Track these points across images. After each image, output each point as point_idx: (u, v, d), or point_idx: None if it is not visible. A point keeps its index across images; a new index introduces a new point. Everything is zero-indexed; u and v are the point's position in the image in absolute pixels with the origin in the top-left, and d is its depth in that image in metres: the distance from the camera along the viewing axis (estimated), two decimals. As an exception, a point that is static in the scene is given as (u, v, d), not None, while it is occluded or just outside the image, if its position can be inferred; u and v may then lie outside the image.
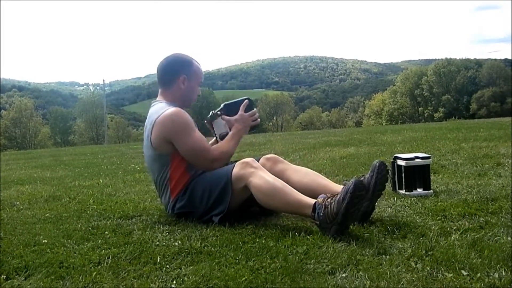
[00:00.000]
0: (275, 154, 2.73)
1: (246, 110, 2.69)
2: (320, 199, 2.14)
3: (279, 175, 2.47)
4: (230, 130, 2.68)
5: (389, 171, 2.52)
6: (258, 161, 2.58)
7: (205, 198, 2.45)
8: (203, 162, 2.55)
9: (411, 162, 2.86)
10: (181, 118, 2.53)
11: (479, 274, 1.51)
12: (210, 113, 2.76)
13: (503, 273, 1.51)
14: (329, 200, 2.09)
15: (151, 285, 1.61)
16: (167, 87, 2.69)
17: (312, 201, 2.16)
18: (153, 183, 2.78)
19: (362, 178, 2.34)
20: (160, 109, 2.58)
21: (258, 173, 2.31)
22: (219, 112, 2.72)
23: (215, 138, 2.79)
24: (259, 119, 2.75)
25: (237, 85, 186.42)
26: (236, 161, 2.48)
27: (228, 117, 2.69)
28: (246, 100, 2.72)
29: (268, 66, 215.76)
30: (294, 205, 2.22)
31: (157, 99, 2.71)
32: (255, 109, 2.75)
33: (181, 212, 2.54)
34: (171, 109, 2.54)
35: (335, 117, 68.83)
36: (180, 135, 2.51)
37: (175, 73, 2.66)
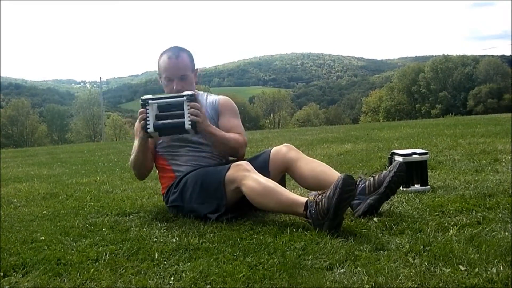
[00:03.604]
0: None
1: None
2: (311, 197, 2.14)
3: (292, 161, 2.51)
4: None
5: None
6: (272, 149, 2.62)
7: (194, 193, 2.45)
8: None
9: (408, 158, 2.86)
10: None
11: (476, 269, 1.51)
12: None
13: (501, 268, 1.51)
14: (319, 196, 2.08)
15: (149, 281, 1.60)
16: None
17: (304, 199, 2.16)
18: None
19: (380, 172, 2.37)
20: None
21: (251, 176, 2.30)
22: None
23: None
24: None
25: (234, 82, 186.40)
26: (232, 162, 2.49)
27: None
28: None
29: (265, 63, 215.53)
30: (287, 204, 2.21)
31: None
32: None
33: (173, 206, 2.56)
34: None
35: (332, 114, 68.81)
36: None
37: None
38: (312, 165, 2.51)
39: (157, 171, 2.78)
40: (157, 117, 2.46)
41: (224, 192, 2.35)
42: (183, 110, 2.41)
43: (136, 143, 2.59)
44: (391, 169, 2.33)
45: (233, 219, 2.34)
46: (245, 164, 2.38)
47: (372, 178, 2.36)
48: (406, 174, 2.36)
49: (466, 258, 1.61)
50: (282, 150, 2.57)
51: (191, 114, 2.39)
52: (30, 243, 2.14)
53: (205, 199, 2.40)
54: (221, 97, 2.80)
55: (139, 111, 2.46)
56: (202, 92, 2.82)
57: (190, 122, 2.40)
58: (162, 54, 2.65)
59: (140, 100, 2.46)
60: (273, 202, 2.25)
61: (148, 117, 2.43)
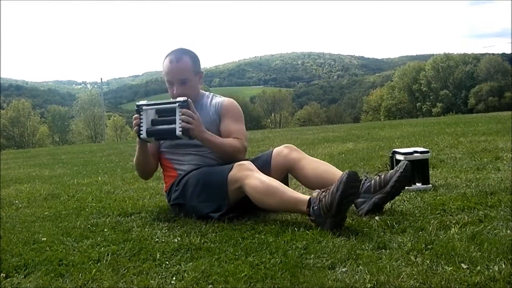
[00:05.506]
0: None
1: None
2: (314, 194, 2.14)
3: (294, 162, 2.51)
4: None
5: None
6: (273, 150, 2.62)
7: (196, 191, 2.45)
8: None
9: (410, 157, 2.86)
10: None
11: (478, 267, 1.51)
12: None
13: (503, 266, 1.51)
14: (323, 193, 2.09)
15: (151, 281, 1.60)
16: None
17: (307, 197, 2.16)
18: None
19: (386, 171, 2.38)
20: None
21: (254, 175, 2.30)
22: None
23: None
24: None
25: (235, 82, 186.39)
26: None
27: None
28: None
29: (266, 63, 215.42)
30: (290, 203, 2.21)
31: None
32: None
33: (175, 204, 2.56)
34: None
35: (333, 113, 68.75)
36: None
37: None
38: (315, 165, 2.51)
39: (162, 170, 2.78)
40: (153, 122, 2.48)
41: (226, 192, 2.35)
42: (175, 116, 2.42)
43: (137, 145, 2.60)
44: (398, 168, 2.33)
45: (235, 218, 2.34)
46: (248, 163, 2.38)
47: (378, 177, 2.37)
48: (411, 174, 2.38)
49: (468, 256, 1.61)
50: (283, 152, 2.56)
51: (183, 121, 2.38)
52: (32, 244, 2.14)
53: (207, 198, 2.40)
54: (225, 99, 2.74)
55: (134, 117, 2.48)
56: (207, 93, 2.80)
57: (181, 129, 2.39)
58: (166, 56, 2.64)
59: (135, 106, 2.49)
60: (276, 201, 2.24)
61: (141, 123, 2.45)
